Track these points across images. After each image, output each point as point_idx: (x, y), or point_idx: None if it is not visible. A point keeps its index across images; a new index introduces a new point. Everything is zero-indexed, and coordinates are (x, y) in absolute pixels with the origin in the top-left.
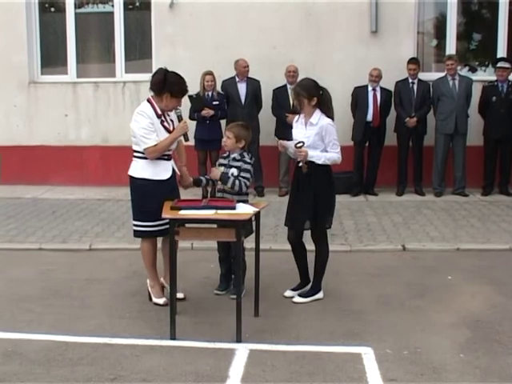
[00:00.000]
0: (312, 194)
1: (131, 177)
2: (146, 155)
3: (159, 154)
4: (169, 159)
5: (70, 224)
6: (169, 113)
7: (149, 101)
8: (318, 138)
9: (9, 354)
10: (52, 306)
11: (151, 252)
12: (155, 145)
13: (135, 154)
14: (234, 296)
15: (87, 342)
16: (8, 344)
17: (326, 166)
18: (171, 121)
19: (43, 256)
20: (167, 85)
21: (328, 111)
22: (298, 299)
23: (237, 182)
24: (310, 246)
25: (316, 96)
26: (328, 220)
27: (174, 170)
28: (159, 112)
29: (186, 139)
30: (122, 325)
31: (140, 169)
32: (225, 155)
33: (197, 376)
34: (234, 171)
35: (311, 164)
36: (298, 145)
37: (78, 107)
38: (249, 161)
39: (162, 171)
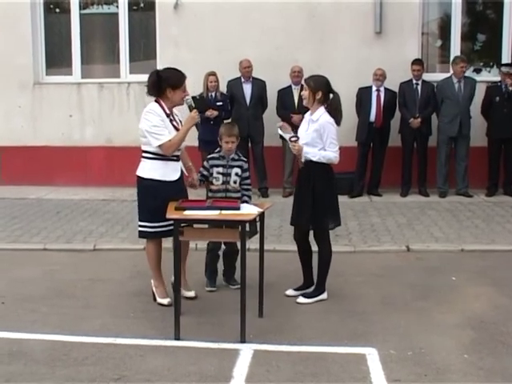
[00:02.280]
0: (311, 194)
1: (139, 177)
2: (162, 152)
3: (176, 149)
4: (177, 160)
5: (75, 224)
6: (176, 113)
7: (156, 101)
8: (317, 136)
9: (14, 354)
10: (56, 305)
11: (156, 253)
12: (169, 140)
13: (144, 154)
14: (237, 286)
15: (92, 342)
16: (13, 344)
17: (327, 165)
18: (180, 121)
19: (47, 256)
20: (163, 81)
21: (336, 115)
22: (301, 300)
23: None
24: (314, 246)
25: (322, 92)
26: (328, 220)
27: (182, 171)
28: (167, 111)
29: (199, 129)
30: (127, 325)
31: (148, 169)
32: (216, 156)
33: (201, 376)
34: (238, 171)
35: (310, 162)
36: (293, 138)
37: (83, 108)
38: (245, 159)
39: (170, 172)
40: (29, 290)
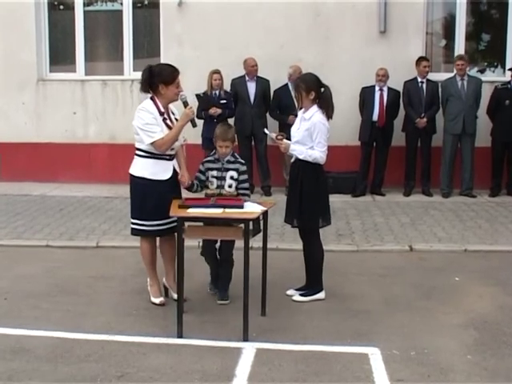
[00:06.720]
0: (299, 192)
1: (131, 175)
2: (155, 150)
3: (169, 146)
4: (170, 159)
5: (78, 221)
6: (173, 111)
7: (152, 98)
8: (308, 134)
9: (16, 351)
10: (59, 302)
11: (150, 251)
12: (162, 138)
13: (137, 151)
14: (222, 302)
15: (94, 339)
16: (15, 340)
17: (315, 164)
18: (175, 119)
19: (50, 253)
20: (155, 76)
21: (328, 109)
22: (297, 298)
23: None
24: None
25: (314, 90)
26: (315, 219)
27: (175, 170)
28: (162, 110)
29: (194, 125)
30: (129, 322)
31: (140, 168)
32: (211, 159)
33: (203, 374)
34: (234, 174)
35: (299, 161)
36: (279, 137)
37: (86, 105)
38: (243, 161)
39: (161, 171)
40: (31, 287)
